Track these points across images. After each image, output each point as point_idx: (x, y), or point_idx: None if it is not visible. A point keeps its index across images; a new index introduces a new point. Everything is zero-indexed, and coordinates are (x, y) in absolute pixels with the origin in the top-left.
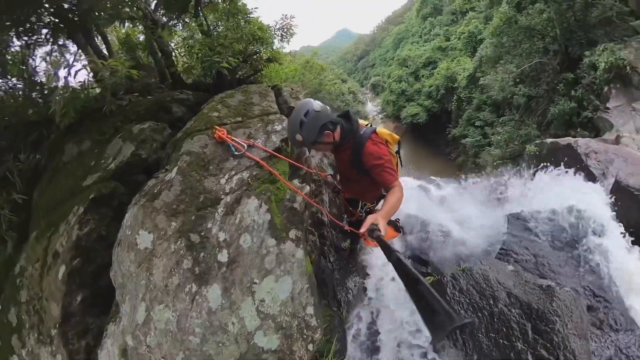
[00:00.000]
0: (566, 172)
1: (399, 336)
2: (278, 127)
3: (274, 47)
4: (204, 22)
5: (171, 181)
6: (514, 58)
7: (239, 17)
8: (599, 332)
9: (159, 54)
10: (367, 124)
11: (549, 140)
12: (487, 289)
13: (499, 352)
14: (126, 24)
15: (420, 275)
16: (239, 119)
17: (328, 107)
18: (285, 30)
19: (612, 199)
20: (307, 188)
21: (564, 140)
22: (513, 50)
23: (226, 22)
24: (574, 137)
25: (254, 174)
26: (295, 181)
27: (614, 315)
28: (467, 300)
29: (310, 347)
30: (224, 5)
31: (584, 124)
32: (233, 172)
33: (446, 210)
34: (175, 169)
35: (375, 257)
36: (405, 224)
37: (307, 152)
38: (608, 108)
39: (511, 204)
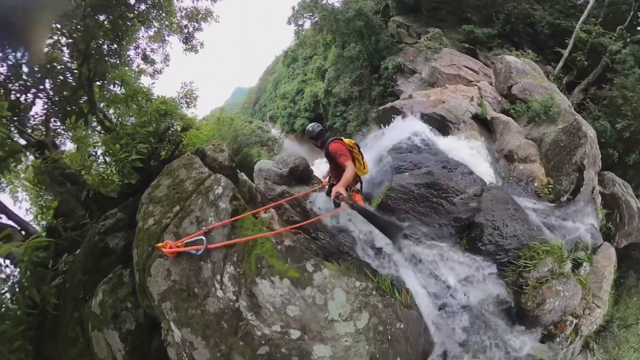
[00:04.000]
0: (401, 118)
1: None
2: (219, 190)
3: (185, 116)
4: (105, 117)
5: (185, 340)
6: (346, 74)
7: (139, 98)
8: (451, 172)
9: (67, 184)
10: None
11: (380, 107)
12: (405, 189)
13: (429, 209)
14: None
15: (373, 211)
16: (177, 208)
17: (316, 130)
18: (187, 96)
19: (427, 121)
20: (273, 211)
21: (388, 105)
22: (345, 70)
23: (127, 109)
24: (389, 102)
25: (235, 259)
26: (262, 214)
27: (453, 164)
28: (402, 202)
29: (380, 296)
30: (121, 91)
31: (390, 94)
32: (219, 277)
33: None
34: (172, 324)
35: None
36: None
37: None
38: (398, 84)
39: (385, 143)
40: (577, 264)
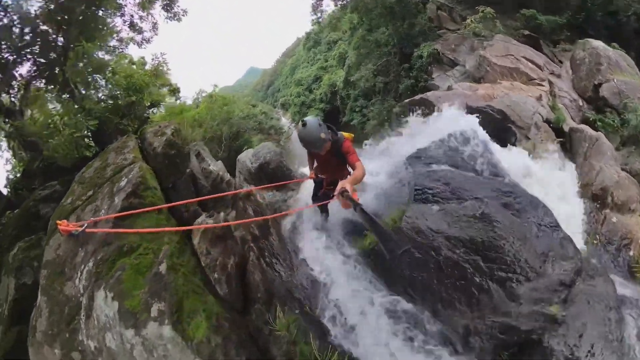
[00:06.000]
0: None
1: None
2: (123, 182)
3: (155, 91)
4: (77, 88)
5: (40, 305)
6: (370, 60)
7: (105, 71)
8: (518, 218)
9: (26, 152)
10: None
11: (406, 100)
12: (425, 241)
13: (459, 293)
14: None
15: (375, 217)
16: (91, 192)
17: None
18: (157, 70)
19: (478, 117)
20: (222, 215)
21: (417, 97)
22: (369, 55)
23: (93, 82)
24: None
25: (99, 257)
26: (203, 216)
27: (526, 202)
28: (411, 262)
29: None
30: (83, 65)
31: (421, 90)
32: (82, 266)
33: None
34: (40, 289)
35: (311, 250)
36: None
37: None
38: (433, 78)
39: (408, 146)
40: None
